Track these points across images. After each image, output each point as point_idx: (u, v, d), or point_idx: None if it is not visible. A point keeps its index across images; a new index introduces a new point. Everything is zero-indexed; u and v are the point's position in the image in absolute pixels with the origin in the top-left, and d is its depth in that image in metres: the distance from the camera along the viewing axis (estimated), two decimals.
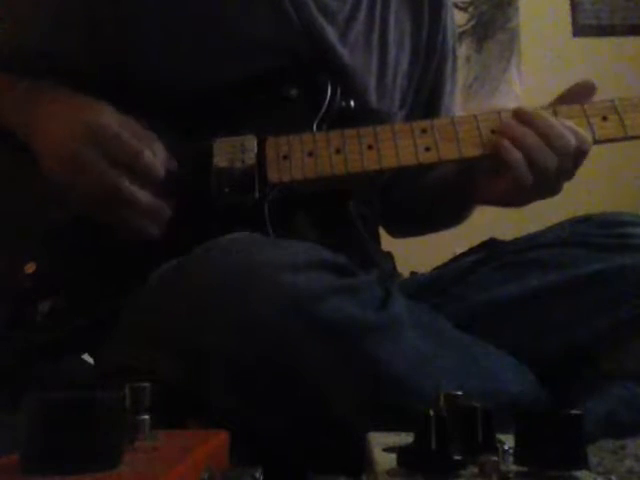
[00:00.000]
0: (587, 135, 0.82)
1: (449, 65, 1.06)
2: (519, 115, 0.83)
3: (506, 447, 0.39)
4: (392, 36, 0.97)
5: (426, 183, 1.05)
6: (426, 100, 1.04)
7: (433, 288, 0.87)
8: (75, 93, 0.83)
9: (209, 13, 0.86)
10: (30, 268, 0.80)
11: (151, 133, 0.81)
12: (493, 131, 0.83)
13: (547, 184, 0.83)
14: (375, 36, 0.95)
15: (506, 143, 0.81)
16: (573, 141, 0.81)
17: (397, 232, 1.16)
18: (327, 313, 0.64)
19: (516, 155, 0.80)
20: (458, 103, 1.12)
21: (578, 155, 0.82)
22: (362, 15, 0.94)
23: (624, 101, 0.85)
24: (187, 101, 0.84)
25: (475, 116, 0.84)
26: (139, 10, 0.85)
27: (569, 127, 0.82)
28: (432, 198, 1.06)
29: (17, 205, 0.86)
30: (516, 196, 0.85)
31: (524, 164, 0.80)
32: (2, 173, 0.88)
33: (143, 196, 0.78)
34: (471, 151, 0.83)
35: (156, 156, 0.80)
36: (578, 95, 0.86)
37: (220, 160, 0.83)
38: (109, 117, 0.80)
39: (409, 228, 1.17)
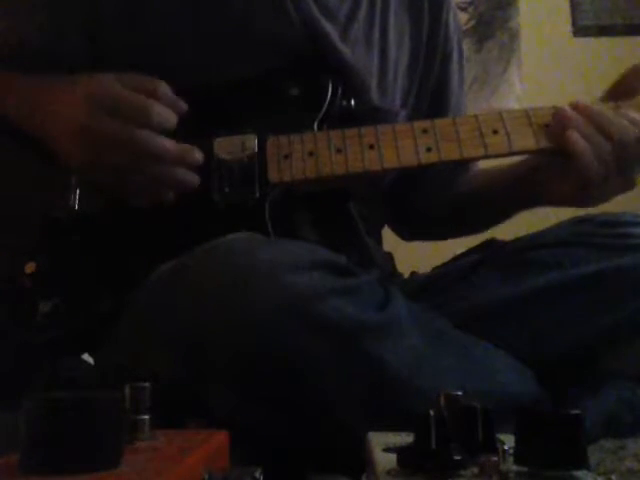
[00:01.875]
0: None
1: (454, 62, 1.05)
2: (578, 108, 0.81)
3: (506, 447, 0.39)
4: (392, 35, 0.97)
5: (464, 189, 1.04)
6: (431, 99, 1.03)
7: (433, 288, 0.87)
8: (72, 75, 0.83)
9: (209, 12, 0.86)
10: (30, 268, 0.80)
11: (151, 79, 0.80)
12: (495, 131, 0.83)
13: (612, 177, 0.80)
14: (375, 34, 0.95)
15: (574, 135, 0.79)
16: (632, 133, 0.79)
17: (414, 236, 1.15)
18: (327, 313, 0.64)
19: (583, 145, 0.78)
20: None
21: None
22: (362, 13, 0.94)
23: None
24: (188, 100, 0.84)
25: (476, 116, 0.84)
26: (139, 9, 0.85)
27: (629, 117, 0.80)
28: (475, 204, 1.04)
29: (17, 204, 0.86)
30: (585, 190, 0.82)
31: (591, 154, 0.78)
32: (2, 173, 0.88)
33: (169, 144, 0.78)
34: (472, 152, 0.82)
35: (165, 102, 0.79)
36: (633, 83, 0.84)
37: (220, 159, 0.83)
38: (108, 82, 0.80)
39: (431, 233, 1.16)
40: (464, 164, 1.03)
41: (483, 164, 1.01)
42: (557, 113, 0.81)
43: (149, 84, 0.80)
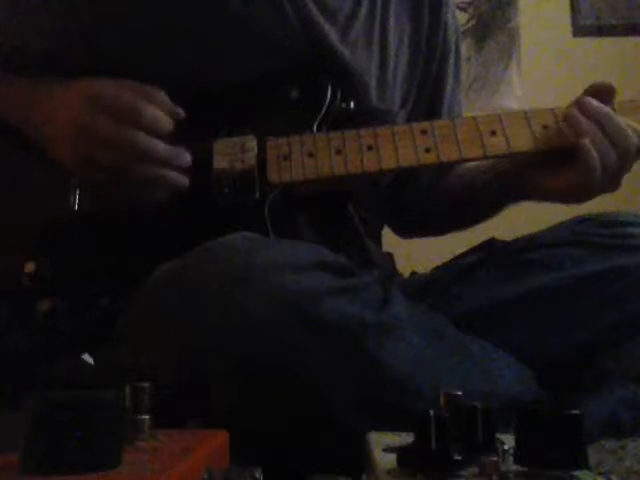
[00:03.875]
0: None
1: (451, 63, 1.05)
2: (587, 111, 0.82)
3: (506, 447, 0.39)
4: (392, 35, 0.97)
5: (451, 185, 1.04)
6: (428, 99, 1.03)
7: (433, 288, 0.87)
8: (70, 78, 0.83)
9: (209, 13, 0.86)
10: (30, 267, 0.80)
11: (150, 86, 0.81)
12: (493, 132, 0.83)
13: (609, 182, 0.82)
14: (375, 35, 0.95)
15: (587, 143, 0.79)
16: (635, 140, 0.81)
17: (407, 233, 1.16)
18: (327, 313, 0.64)
19: (594, 153, 0.79)
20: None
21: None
22: (363, 14, 0.94)
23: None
24: (187, 101, 0.84)
25: (475, 117, 0.84)
26: (140, 10, 0.85)
27: (631, 126, 0.81)
28: (461, 200, 1.05)
29: (17, 204, 0.86)
30: (580, 191, 0.83)
31: (598, 161, 0.79)
32: (2, 172, 0.88)
33: (160, 146, 0.78)
34: (471, 152, 0.83)
35: (161, 106, 0.80)
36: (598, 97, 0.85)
37: (220, 160, 0.83)
38: (104, 84, 0.80)
39: (423, 229, 1.17)
40: None
41: None
42: (570, 118, 0.82)
43: (147, 89, 0.81)
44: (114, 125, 0.78)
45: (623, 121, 0.81)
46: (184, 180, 0.80)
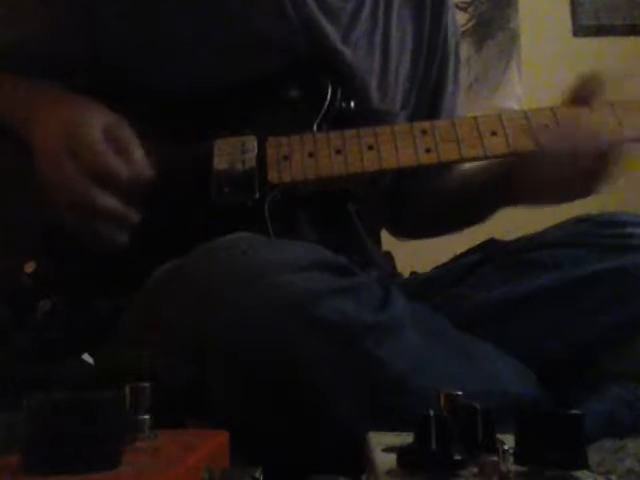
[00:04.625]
0: (614, 132, 0.82)
1: (451, 66, 1.06)
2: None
3: (506, 447, 0.39)
4: (394, 36, 0.97)
5: (446, 187, 1.05)
6: (428, 102, 1.04)
7: (433, 288, 0.87)
8: (70, 92, 0.83)
9: (209, 13, 0.86)
10: (30, 267, 0.80)
11: (134, 139, 0.80)
12: (494, 133, 0.83)
13: (583, 182, 0.83)
14: (378, 36, 0.95)
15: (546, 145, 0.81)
16: (603, 140, 0.81)
17: (403, 234, 1.16)
18: (327, 313, 0.64)
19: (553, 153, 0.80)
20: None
21: (601, 154, 0.81)
22: (365, 15, 0.94)
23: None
24: (188, 101, 0.84)
25: (475, 118, 0.84)
26: (139, 11, 0.85)
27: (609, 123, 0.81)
28: (455, 202, 1.05)
29: (17, 204, 0.86)
30: (548, 193, 0.85)
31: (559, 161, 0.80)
32: (2, 172, 0.88)
33: (109, 202, 0.78)
34: (471, 152, 0.83)
35: (132, 162, 0.79)
36: (588, 92, 0.85)
37: (220, 160, 0.83)
38: (94, 121, 0.80)
39: (418, 231, 1.17)
40: None
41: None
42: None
43: (127, 141, 0.79)
44: (75, 170, 0.77)
45: (600, 118, 0.81)
46: (122, 238, 0.79)
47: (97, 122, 0.80)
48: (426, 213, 1.11)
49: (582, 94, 0.86)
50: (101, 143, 0.79)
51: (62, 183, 0.78)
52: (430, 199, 1.08)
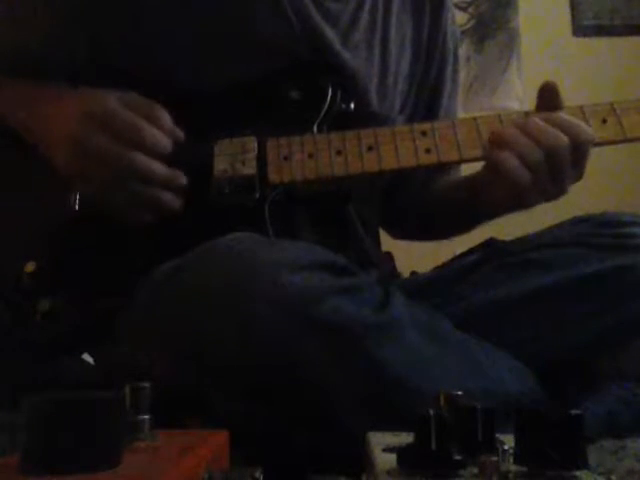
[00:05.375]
0: (585, 129, 0.80)
1: (449, 67, 1.06)
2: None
3: (506, 447, 0.39)
4: (393, 39, 0.97)
5: (435, 193, 1.05)
6: (426, 102, 1.04)
7: (433, 288, 0.87)
8: (75, 87, 0.83)
9: (209, 14, 0.86)
10: (30, 267, 0.80)
11: (155, 105, 0.81)
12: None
13: (545, 183, 0.80)
14: (377, 39, 0.95)
15: (502, 153, 0.79)
16: (563, 137, 0.79)
17: (399, 236, 1.16)
18: (327, 313, 0.64)
19: (505, 154, 0.78)
20: (458, 103, 1.12)
21: (574, 151, 0.79)
22: (364, 18, 0.94)
23: (622, 103, 0.84)
24: (188, 102, 0.84)
25: (475, 119, 0.84)
26: (139, 12, 0.85)
27: (565, 122, 0.80)
28: (442, 209, 1.06)
29: (17, 204, 0.86)
30: (517, 199, 0.82)
31: (516, 162, 0.78)
32: (2, 172, 0.88)
33: (157, 167, 0.78)
34: (471, 153, 0.83)
35: (161, 127, 0.80)
36: (548, 100, 0.84)
37: (221, 161, 0.83)
38: (110, 99, 0.80)
39: (412, 233, 1.17)
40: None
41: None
42: (493, 134, 0.81)
43: (149, 107, 0.81)
44: (110, 142, 0.77)
45: (561, 117, 0.80)
46: (177, 203, 0.80)
47: (110, 96, 0.81)
48: (415, 221, 1.12)
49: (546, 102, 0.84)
50: (125, 111, 0.79)
51: (101, 159, 0.77)
52: (426, 200, 1.08)
